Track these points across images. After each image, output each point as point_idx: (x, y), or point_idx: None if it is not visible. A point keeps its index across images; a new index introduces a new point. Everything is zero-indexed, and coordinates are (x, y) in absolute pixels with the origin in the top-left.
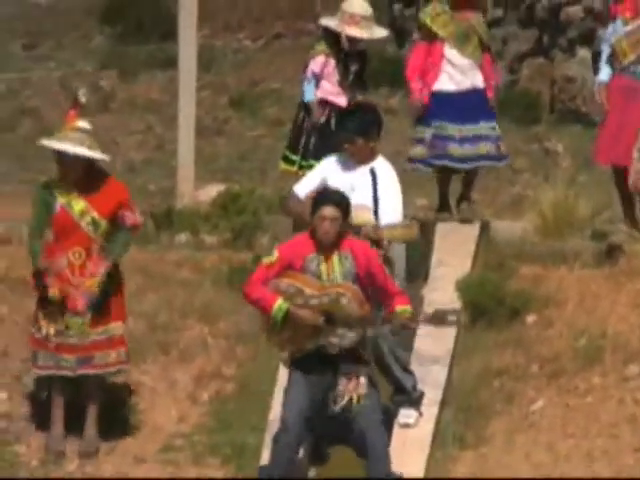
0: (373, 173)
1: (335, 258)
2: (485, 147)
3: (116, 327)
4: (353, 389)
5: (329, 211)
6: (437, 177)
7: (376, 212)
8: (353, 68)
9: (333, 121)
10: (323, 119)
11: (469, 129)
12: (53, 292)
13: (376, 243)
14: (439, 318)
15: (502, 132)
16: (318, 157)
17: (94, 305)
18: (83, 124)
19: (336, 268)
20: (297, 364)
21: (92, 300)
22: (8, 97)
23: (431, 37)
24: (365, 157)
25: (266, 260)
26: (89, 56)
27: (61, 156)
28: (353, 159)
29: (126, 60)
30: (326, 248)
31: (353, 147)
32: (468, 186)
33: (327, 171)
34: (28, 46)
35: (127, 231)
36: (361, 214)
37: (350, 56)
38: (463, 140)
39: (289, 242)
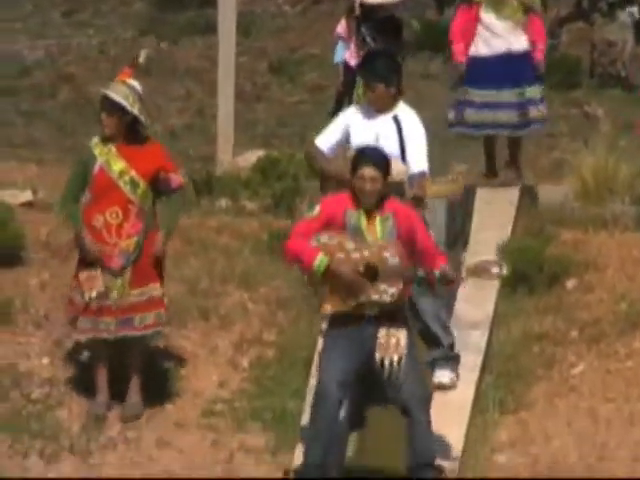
0: (397, 120)
1: (377, 219)
2: (505, 115)
3: (154, 288)
4: (393, 350)
5: (369, 172)
6: (483, 147)
7: (403, 159)
8: (369, 32)
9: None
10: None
11: (491, 95)
12: (94, 250)
13: (417, 200)
14: (482, 271)
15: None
16: None
17: (133, 265)
18: (134, 82)
19: (377, 228)
20: (335, 326)
21: (128, 260)
22: (47, 64)
23: (469, 1)
24: (386, 104)
25: (308, 215)
26: (128, 23)
27: (105, 104)
28: (374, 107)
29: (165, 26)
30: (367, 208)
31: (373, 94)
32: (512, 151)
33: (349, 121)
34: (67, 13)
35: (176, 195)
36: (393, 165)
37: (373, 22)
38: (482, 106)
39: (331, 197)
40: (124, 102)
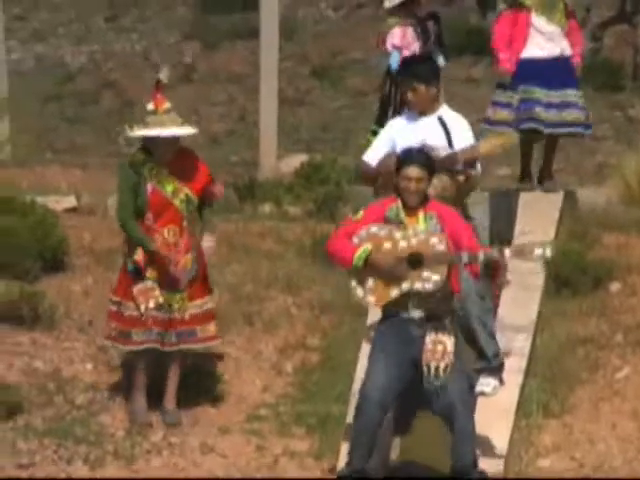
0: (442, 121)
1: (420, 216)
2: (572, 114)
3: (210, 300)
4: (440, 357)
5: (413, 171)
6: (520, 147)
7: None
8: (433, 30)
9: None
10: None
11: (556, 95)
12: (151, 273)
13: (470, 165)
14: (525, 252)
15: (585, 100)
16: None
17: (191, 280)
18: (168, 104)
19: (420, 222)
20: (384, 323)
21: (189, 276)
22: (91, 70)
23: (517, 6)
24: (429, 105)
25: (352, 217)
26: (172, 27)
27: (161, 141)
28: (417, 109)
29: (208, 31)
30: (411, 207)
31: (415, 95)
32: (548, 158)
33: (394, 131)
34: (110, 18)
35: (211, 205)
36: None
37: (426, 20)
38: (549, 105)
39: (376, 202)
40: (188, 130)
